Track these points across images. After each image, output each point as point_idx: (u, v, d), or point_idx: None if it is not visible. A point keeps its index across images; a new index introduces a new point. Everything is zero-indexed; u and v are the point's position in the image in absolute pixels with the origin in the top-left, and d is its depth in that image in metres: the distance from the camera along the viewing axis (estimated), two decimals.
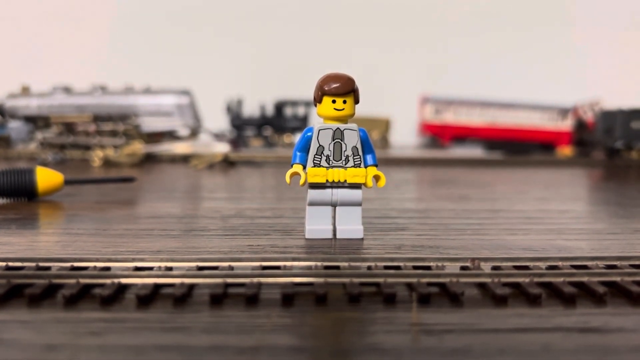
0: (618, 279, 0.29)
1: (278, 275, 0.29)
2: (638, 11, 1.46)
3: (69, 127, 1.03)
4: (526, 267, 0.31)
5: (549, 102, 1.30)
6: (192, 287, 0.29)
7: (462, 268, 0.31)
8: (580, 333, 0.24)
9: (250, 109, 1.26)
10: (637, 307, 0.27)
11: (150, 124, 1.09)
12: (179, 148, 1.05)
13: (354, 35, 1.46)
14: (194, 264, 0.31)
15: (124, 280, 0.29)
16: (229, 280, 0.29)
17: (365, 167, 0.39)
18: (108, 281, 0.28)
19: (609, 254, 0.36)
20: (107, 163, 0.93)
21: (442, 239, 0.40)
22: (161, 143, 1.07)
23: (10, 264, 0.30)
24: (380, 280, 0.29)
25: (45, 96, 1.10)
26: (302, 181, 0.39)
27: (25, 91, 1.12)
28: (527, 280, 0.29)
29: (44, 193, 0.56)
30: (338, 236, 0.40)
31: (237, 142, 1.17)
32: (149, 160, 0.99)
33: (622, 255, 0.33)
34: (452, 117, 1.34)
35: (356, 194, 0.39)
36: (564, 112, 1.27)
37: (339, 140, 0.38)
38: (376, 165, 0.39)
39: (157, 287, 0.28)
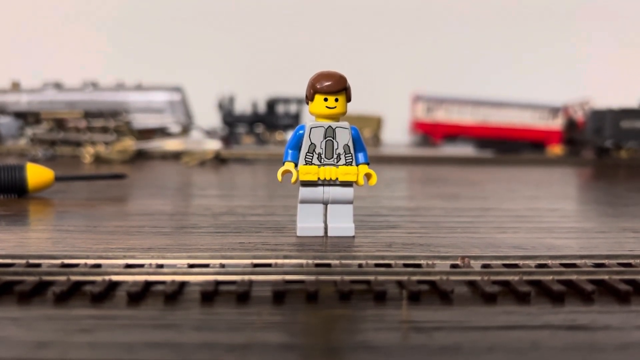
0: (606, 277, 0.30)
1: (269, 273, 0.29)
2: (629, 10, 1.47)
3: (59, 123, 1.02)
4: (516, 265, 0.31)
5: (539, 101, 1.30)
6: (183, 284, 0.29)
7: (452, 266, 0.31)
8: (568, 331, 0.24)
9: (242, 106, 1.26)
10: (624, 305, 0.27)
11: (142, 121, 1.08)
12: (171, 145, 1.04)
13: (346, 33, 1.46)
14: (184, 262, 0.31)
15: (114, 278, 0.29)
16: (220, 277, 0.29)
17: (357, 165, 0.39)
18: (99, 278, 0.28)
19: (597, 252, 0.36)
20: (98, 160, 0.93)
21: (432, 237, 0.40)
22: (152, 140, 1.06)
23: (0, 260, 0.30)
24: (371, 277, 0.29)
25: (36, 92, 1.09)
26: (293, 179, 0.39)
27: (15, 87, 1.11)
28: (516, 278, 0.29)
29: (34, 189, 0.56)
30: (329, 234, 0.40)
31: (229, 139, 1.17)
32: (140, 157, 0.99)
33: (610, 254, 0.33)
34: (444, 116, 1.34)
35: (348, 192, 0.39)
36: (554, 111, 1.28)
37: (330, 138, 0.39)
38: (368, 164, 0.39)
39: (148, 284, 0.28)
